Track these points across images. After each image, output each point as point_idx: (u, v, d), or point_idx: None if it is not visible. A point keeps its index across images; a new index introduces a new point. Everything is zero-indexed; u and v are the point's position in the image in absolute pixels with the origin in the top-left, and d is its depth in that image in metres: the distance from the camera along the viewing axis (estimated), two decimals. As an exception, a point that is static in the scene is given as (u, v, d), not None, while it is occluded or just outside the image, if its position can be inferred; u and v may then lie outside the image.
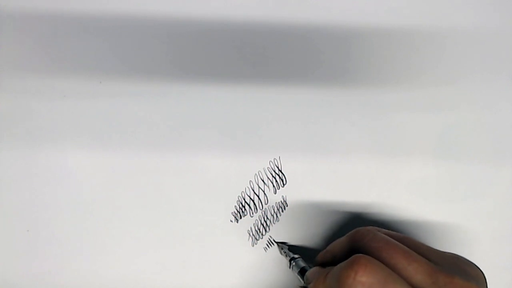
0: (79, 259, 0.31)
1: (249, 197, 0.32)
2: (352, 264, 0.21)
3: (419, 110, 0.32)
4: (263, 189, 0.32)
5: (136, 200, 0.31)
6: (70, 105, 0.32)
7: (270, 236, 0.32)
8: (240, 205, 0.32)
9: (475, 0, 0.33)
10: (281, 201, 0.32)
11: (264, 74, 0.32)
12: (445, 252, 0.24)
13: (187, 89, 0.32)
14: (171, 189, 0.32)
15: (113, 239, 0.31)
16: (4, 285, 0.31)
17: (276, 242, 0.32)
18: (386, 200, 0.32)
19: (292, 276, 0.31)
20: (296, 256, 0.30)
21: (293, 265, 0.29)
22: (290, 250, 0.31)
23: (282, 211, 0.32)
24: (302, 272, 0.28)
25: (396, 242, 0.23)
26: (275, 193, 0.32)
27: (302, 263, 0.29)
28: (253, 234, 0.32)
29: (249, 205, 0.32)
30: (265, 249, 0.32)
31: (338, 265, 0.22)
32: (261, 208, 0.32)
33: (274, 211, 0.32)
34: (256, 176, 0.32)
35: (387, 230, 0.25)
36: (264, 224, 0.32)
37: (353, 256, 0.22)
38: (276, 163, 0.32)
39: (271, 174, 0.32)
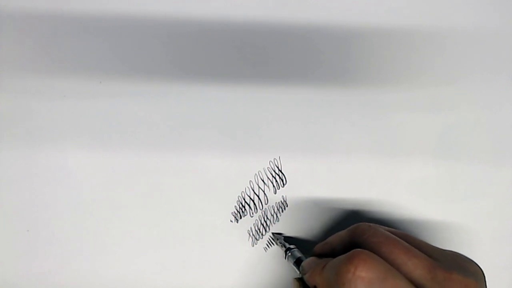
0: (79, 259, 0.31)
1: (249, 197, 0.32)
2: (352, 259, 0.21)
3: (419, 110, 0.32)
4: (263, 189, 0.32)
5: (136, 200, 0.32)
6: (70, 105, 0.32)
7: (272, 233, 0.32)
8: (240, 205, 0.32)
9: (475, 0, 0.33)
10: (281, 201, 0.32)
11: (264, 74, 0.32)
12: (444, 249, 0.24)
13: (187, 89, 0.32)
14: (171, 189, 0.32)
15: (113, 239, 0.31)
16: (4, 285, 0.31)
17: (272, 233, 0.32)
18: (386, 200, 0.32)
19: (292, 276, 0.31)
20: (292, 246, 0.30)
21: (288, 256, 0.29)
22: (286, 240, 0.31)
23: (282, 211, 0.32)
24: (297, 263, 0.28)
25: (396, 237, 0.23)
26: (275, 193, 0.32)
27: (298, 254, 0.29)
28: (253, 234, 0.32)
29: (249, 205, 0.32)
30: (265, 249, 0.32)
31: (337, 258, 0.22)
32: (261, 208, 0.32)
33: (274, 211, 0.32)
34: (256, 176, 0.32)
35: (388, 228, 0.25)
36: (264, 224, 0.32)
37: (353, 251, 0.22)
38: (276, 163, 0.32)
39: (271, 174, 0.32)
